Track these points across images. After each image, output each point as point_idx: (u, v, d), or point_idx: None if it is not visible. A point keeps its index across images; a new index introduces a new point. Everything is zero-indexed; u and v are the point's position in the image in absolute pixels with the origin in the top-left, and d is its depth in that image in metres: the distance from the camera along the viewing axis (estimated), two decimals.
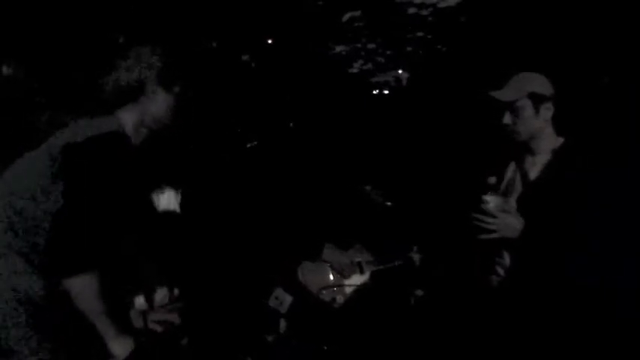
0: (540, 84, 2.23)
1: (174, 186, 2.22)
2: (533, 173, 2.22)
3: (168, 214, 2.17)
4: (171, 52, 1.94)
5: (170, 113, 1.93)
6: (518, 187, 2.25)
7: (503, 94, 2.22)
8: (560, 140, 2.23)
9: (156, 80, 1.90)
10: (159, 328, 2.05)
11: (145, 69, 1.89)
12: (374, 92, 6.31)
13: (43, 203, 1.73)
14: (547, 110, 2.19)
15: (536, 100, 2.18)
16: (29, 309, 1.70)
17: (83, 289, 1.68)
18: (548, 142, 2.22)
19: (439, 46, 5.81)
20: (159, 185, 2.18)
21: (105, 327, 1.72)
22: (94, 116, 1.86)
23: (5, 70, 3.76)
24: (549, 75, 2.34)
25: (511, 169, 2.33)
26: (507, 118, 2.22)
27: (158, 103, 1.91)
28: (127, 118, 1.89)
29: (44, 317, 1.72)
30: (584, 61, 4.22)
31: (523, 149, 2.26)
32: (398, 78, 6.21)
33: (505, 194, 2.26)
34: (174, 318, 2.11)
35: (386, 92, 6.17)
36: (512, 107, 2.20)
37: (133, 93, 1.89)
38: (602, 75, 4.12)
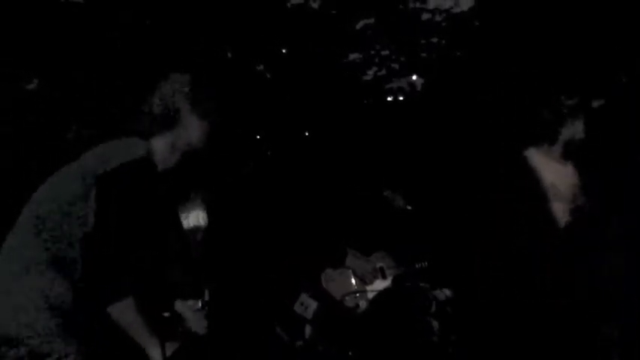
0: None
1: (203, 197, 2.27)
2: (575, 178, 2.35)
3: (197, 227, 2.22)
4: (205, 81, 1.99)
5: (203, 139, 1.98)
6: (562, 191, 2.37)
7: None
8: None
9: (190, 109, 1.94)
10: (188, 334, 2.09)
11: (180, 99, 1.94)
12: (388, 99, 6.32)
13: (73, 218, 1.78)
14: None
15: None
16: (60, 316, 1.75)
17: (123, 312, 1.74)
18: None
19: (454, 52, 5.82)
20: (188, 198, 2.23)
21: (144, 337, 1.77)
22: (126, 137, 1.91)
23: (32, 85, 3.84)
24: (564, 78, 2.41)
25: (549, 175, 2.42)
26: None
27: (192, 131, 1.96)
28: (160, 144, 1.93)
29: (75, 324, 1.77)
30: (600, 65, 4.23)
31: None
32: (412, 84, 6.22)
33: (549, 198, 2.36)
34: (203, 324, 2.15)
35: (401, 98, 6.18)
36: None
37: (168, 121, 1.93)
38: (618, 75, 4.13)
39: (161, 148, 1.94)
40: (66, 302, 1.75)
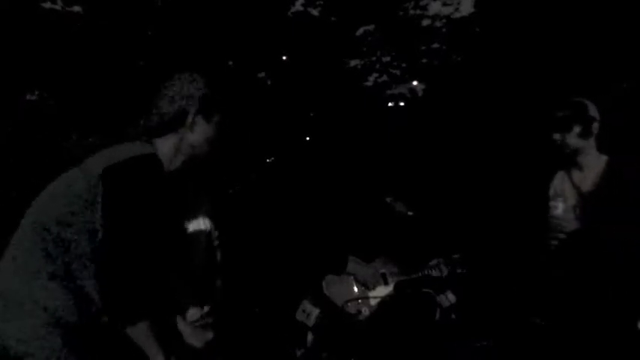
0: (590, 107, 2.40)
1: (206, 202, 2.25)
2: (586, 186, 2.39)
3: (200, 231, 2.20)
4: (213, 83, 1.97)
5: (207, 143, 1.96)
6: (569, 196, 2.42)
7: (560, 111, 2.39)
8: (604, 158, 2.40)
9: (197, 112, 1.92)
10: (194, 343, 2.06)
11: (188, 100, 1.92)
12: (389, 104, 6.33)
13: (77, 226, 1.74)
14: (593, 131, 2.38)
15: (587, 120, 2.36)
16: (61, 330, 1.70)
17: (136, 325, 1.70)
18: (592, 159, 2.40)
19: (454, 57, 5.83)
20: (191, 202, 2.21)
21: (152, 349, 1.73)
22: (131, 141, 1.88)
23: (31, 95, 3.84)
24: (563, 82, 2.43)
25: (559, 179, 2.49)
26: (557, 134, 2.40)
27: (197, 134, 1.94)
28: (164, 147, 1.91)
29: (77, 337, 1.72)
30: (599, 69, 4.23)
31: (570, 164, 2.44)
32: (413, 90, 6.23)
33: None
34: (207, 333, 2.12)
35: (401, 104, 6.18)
36: (564, 124, 2.37)
37: (174, 123, 1.91)
38: (618, 82, 4.13)
39: (165, 149, 1.91)
40: (73, 316, 1.71)
